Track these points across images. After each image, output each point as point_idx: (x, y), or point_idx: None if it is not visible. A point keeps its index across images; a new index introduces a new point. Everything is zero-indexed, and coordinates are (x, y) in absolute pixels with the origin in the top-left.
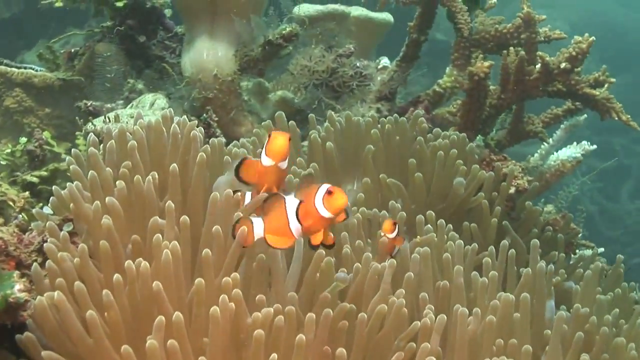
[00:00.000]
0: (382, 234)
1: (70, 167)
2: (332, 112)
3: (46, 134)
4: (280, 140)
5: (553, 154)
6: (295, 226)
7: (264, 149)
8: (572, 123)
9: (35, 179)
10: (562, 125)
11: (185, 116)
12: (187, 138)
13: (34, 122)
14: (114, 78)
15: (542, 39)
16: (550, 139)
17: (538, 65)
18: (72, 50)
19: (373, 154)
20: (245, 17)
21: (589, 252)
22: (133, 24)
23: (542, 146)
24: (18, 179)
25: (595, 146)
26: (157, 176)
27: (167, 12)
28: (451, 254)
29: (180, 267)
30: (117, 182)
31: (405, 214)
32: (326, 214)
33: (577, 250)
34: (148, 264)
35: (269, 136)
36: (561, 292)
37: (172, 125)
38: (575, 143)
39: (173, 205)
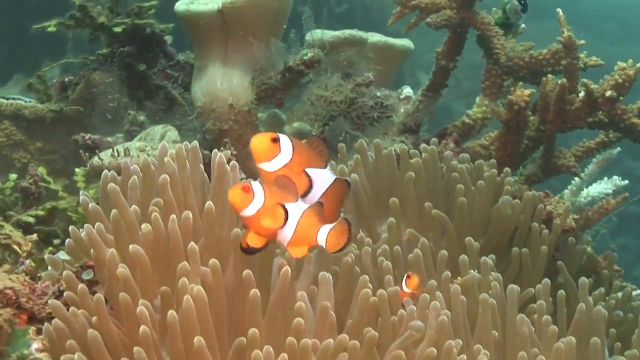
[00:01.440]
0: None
1: (89, 205)
2: (363, 141)
3: (41, 170)
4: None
5: (583, 189)
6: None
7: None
8: (604, 157)
9: (31, 219)
10: (594, 159)
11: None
12: (221, 168)
13: (25, 157)
14: (114, 109)
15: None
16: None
17: (581, 94)
18: (65, 80)
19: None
20: (263, 41)
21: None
22: (132, 51)
23: (573, 182)
24: (12, 219)
25: (627, 181)
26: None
27: (168, 38)
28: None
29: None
30: (143, 226)
31: (446, 253)
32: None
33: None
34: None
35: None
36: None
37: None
38: (606, 178)
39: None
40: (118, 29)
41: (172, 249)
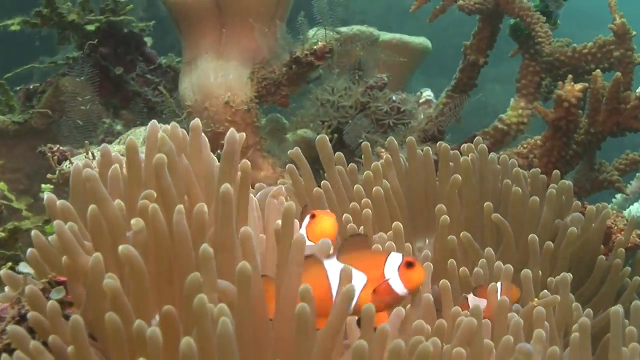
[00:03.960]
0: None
1: (57, 203)
2: (394, 139)
3: (2, 186)
4: (327, 222)
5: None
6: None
7: (303, 229)
8: None
9: None
10: (637, 174)
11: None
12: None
13: None
14: (85, 114)
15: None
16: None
17: (639, 90)
18: (30, 87)
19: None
20: (264, 26)
21: None
22: (107, 53)
23: (614, 199)
24: None
25: None
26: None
27: (148, 40)
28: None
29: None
30: (133, 221)
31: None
32: (402, 290)
33: None
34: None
35: (312, 216)
36: None
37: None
38: None
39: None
40: (91, 27)
41: (178, 253)
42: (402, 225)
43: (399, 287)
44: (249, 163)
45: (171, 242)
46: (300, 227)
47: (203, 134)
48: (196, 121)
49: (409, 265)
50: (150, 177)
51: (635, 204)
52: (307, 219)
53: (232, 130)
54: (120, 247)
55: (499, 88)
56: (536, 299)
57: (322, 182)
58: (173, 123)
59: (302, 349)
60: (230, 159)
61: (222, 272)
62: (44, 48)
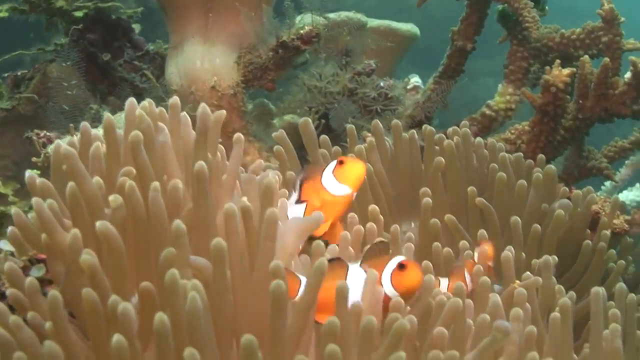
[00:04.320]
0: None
1: (37, 181)
2: (379, 122)
3: None
4: (359, 167)
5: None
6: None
7: (330, 173)
8: (639, 158)
9: None
10: (626, 162)
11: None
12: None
13: None
14: (72, 99)
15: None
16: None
17: (626, 75)
18: (19, 74)
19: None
20: (251, 10)
21: None
22: (94, 39)
23: (603, 187)
24: None
25: None
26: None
27: (136, 26)
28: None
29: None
30: (111, 198)
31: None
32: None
33: None
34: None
35: (340, 162)
36: None
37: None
38: (638, 185)
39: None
40: (79, 14)
41: (154, 230)
42: (378, 209)
43: (388, 289)
44: (242, 137)
45: (148, 220)
46: (295, 194)
47: (186, 113)
48: (174, 99)
49: (401, 267)
50: (128, 155)
51: (625, 191)
52: (333, 164)
53: (202, 105)
54: (98, 224)
55: (492, 81)
56: (517, 281)
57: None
58: (149, 100)
59: (276, 326)
60: (204, 135)
61: (200, 250)
62: (37, 40)
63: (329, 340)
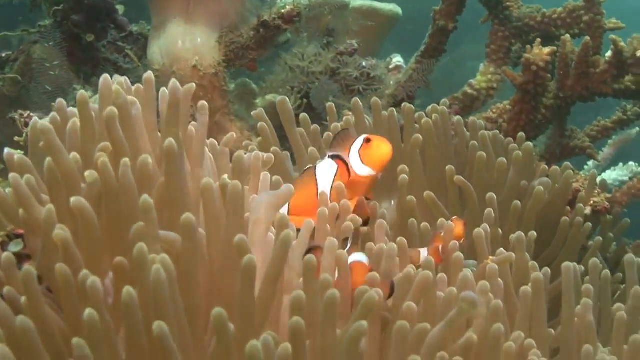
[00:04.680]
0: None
1: (15, 157)
2: (359, 100)
3: None
4: (386, 148)
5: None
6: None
7: (356, 152)
8: (621, 138)
9: None
10: (609, 141)
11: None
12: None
13: None
14: (55, 79)
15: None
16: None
17: (607, 54)
18: (3, 55)
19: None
20: None
21: None
22: (78, 21)
23: (586, 166)
24: None
25: None
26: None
27: (120, 8)
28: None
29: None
30: (86, 173)
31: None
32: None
33: None
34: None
35: (367, 140)
36: None
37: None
38: (621, 164)
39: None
40: None
41: (125, 205)
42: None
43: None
44: (206, 104)
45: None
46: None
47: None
48: (149, 74)
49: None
50: (104, 130)
51: (608, 171)
52: (360, 140)
53: (173, 80)
54: (72, 199)
55: (480, 65)
56: (491, 257)
57: None
58: (124, 77)
59: (245, 297)
60: (175, 109)
61: (174, 225)
62: (25, 22)
63: (295, 313)
